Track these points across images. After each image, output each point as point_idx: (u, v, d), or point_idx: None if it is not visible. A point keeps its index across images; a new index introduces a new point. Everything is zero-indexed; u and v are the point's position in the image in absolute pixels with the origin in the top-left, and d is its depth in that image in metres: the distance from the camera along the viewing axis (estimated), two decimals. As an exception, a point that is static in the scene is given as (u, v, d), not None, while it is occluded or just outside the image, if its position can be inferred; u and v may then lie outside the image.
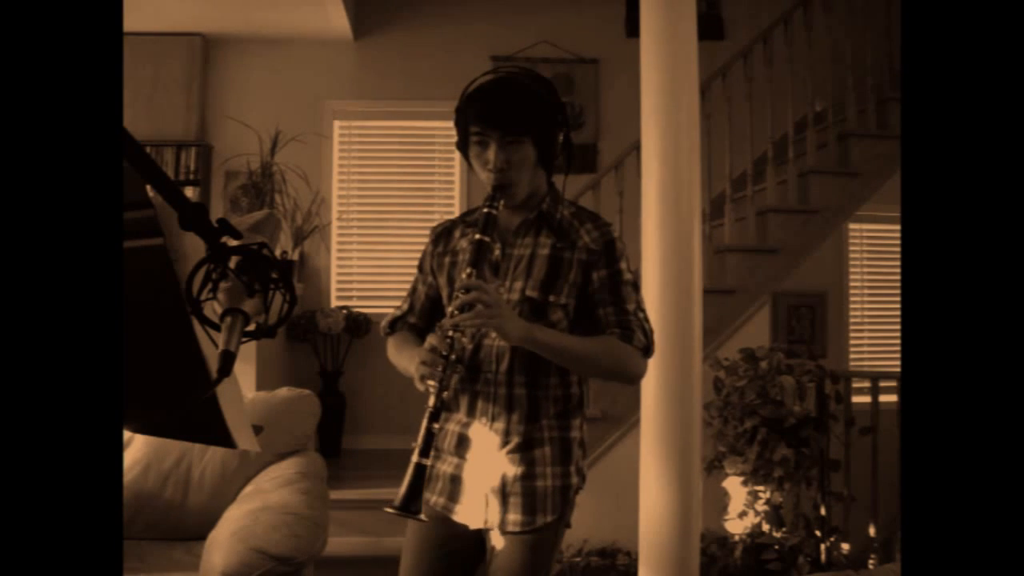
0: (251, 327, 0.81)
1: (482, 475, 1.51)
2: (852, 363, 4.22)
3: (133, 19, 4.41)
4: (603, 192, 3.96)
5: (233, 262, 0.79)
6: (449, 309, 1.40)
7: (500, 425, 1.50)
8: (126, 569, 2.19)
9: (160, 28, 4.66)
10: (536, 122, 1.47)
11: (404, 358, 1.55)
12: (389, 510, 1.30)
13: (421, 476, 1.32)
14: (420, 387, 1.41)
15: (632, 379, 1.56)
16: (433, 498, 1.56)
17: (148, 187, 0.75)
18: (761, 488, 3.29)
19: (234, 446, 0.88)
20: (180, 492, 2.55)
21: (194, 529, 2.46)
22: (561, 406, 1.53)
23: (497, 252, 1.53)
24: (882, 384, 3.46)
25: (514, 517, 1.49)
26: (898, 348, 3.96)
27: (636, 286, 1.55)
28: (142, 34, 4.62)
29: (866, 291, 4.38)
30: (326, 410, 3.06)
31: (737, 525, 3.37)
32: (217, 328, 0.79)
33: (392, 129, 4.98)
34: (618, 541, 3.52)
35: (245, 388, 3.30)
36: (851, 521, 3.45)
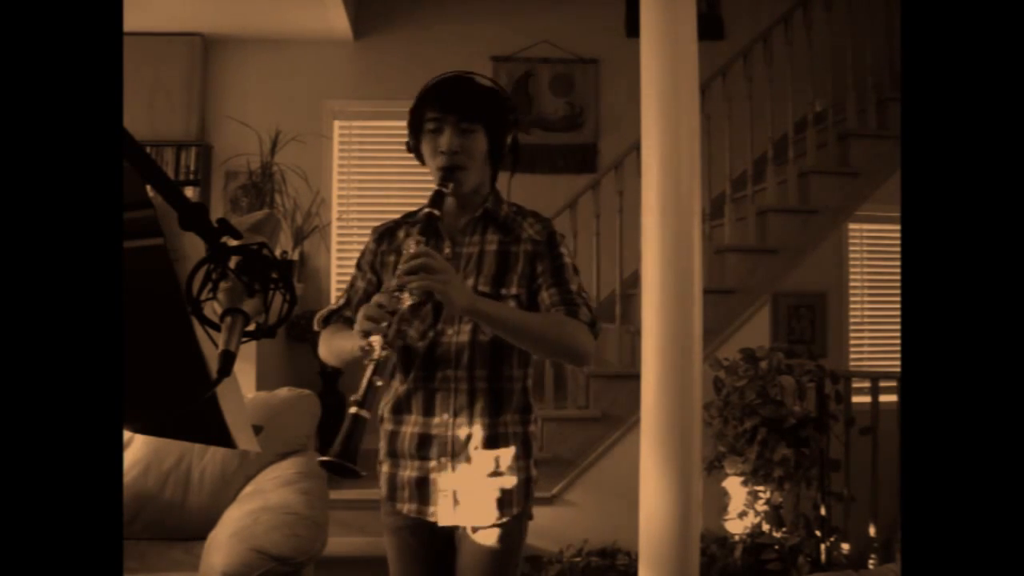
0: (251, 327, 0.81)
1: (449, 473, 1.52)
2: (852, 363, 4.22)
3: (133, 19, 4.40)
4: (603, 192, 3.97)
5: (233, 262, 0.79)
6: (397, 273, 1.39)
7: (464, 420, 1.52)
8: (126, 569, 2.19)
9: (160, 28, 4.66)
10: (488, 113, 1.54)
11: (340, 338, 1.54)
12: (321, 459, 1.24)
13: (358, 427, 1.27)
14: (360, 343, 1.35)
15: (581, 355, 1.54)
16: (405, 506, 1.57)
17: (148, 187, 0.75)
18: (761, 488, 3.29)
19: (234, 446, 0.88)
20: (180, 492, 2.55)
21: (194, 529, 2.46)
22: (522, 400, 1.57)
23: (447, 251, 1.57)
24: (882, 384, 3.46)
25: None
26: (898, 348, 3.96)
27: (576, 270, 1.60)
28: (142, 34, 4.62)
29: (866, 291, 4.38)
30: (326, 410, 3.05)
31: (737, 525, 3.37)
32: (217, 328, 0.79)
33: (392, 129, 4.96)
34: (618, 541, 3.52)
35: (245, 388, 3.30)
36: (851, 521, 3.46)
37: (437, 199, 1.49)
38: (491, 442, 1.52)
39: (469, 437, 1.52)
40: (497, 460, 1.53)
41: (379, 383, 1.31)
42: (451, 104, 1.51)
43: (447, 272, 1.38)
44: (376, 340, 1.33)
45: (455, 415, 1.52)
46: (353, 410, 1.28)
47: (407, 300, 1.36)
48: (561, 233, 1.61)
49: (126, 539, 2.42)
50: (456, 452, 1.52)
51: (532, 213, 1.62)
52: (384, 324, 1.34)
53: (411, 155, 1.63)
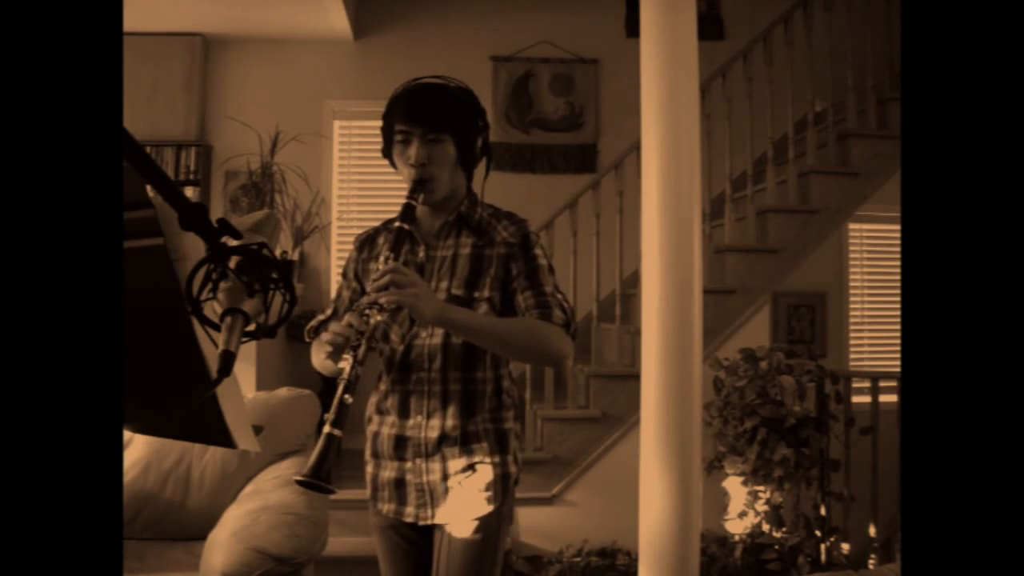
0: (251, 327, 0.81)
1: (424, 473, 1.55)
2: (852, 363, 4.22)
3: (133, 19, 4.40)
4: (603, 192, 3.96)
5: (233, 262, 0.79)
6: (368, 289, 1.43)
7: (436, 422, 1.54)
8: (126, 569, 2.19)
9: (160, 28, 4.66)
10: (456, 122, 1.54)
11: (326, 352, 1.55)
12: (297, 478, 1.28)
13: (331, 446, 1.31)
14: (331, 363, 1.41)
15: (556, 358, 1.55)
16: (385, 507, 1.61)
17: (148, 187, 0.75)
18: (761, 488, 3.29)
19: (234, 446, 0.88)
20: (180, 492, 2.55)
21: (194, 529, 2.46)
22: (495, 400, 1.58)
23: (422, 254, 1.59)
24: (882, 384, 3.46)
25: None
26: (898, 348, 3.96)
27: (552, 271, 1.60)
28: (142, 34, 4.62)
29: (866, 291, 4.38)
30: (326, 410, 3.05)
31: (737, 525, 3.37)
32: (217, 328, 0.79)
33: (391, 129, 4.99)
34: (618, 541, 3.52)
35: (245, 388, 3.30)
36: (851, 521, 3.46)
37: (407, 212, 1.51)
38: (463, 441, 1.54)
39: (442, 438, 1.54)
40: (469, 458, 1.54)
41: (350, 401, 1.35)
42: (417, 117, 1.52)
43: (416, 285, 1.40)
44: (347, 360, 1.37)
45: (428, 417, 1.55)
46: (326, 429, 1.32)
47: (376, 317, 1.39)
48: (536, 234, 1.62)
49: (126, 539, 2.42)
50: (429, 453, 1.54)
51: (507, 215, 1.63)
52: (354, 343, 1.37)
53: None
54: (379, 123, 1.60)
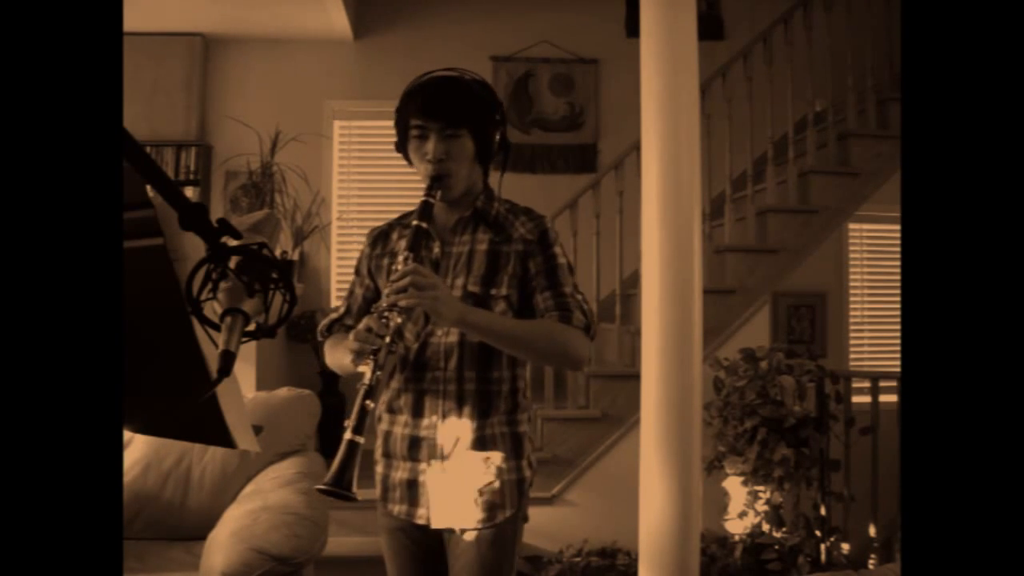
0: (251, 327, 0.81)
1: (439, 475, 1.51)
2: (852, 363, 4.22)
3: (133, 19, 4.40)
4: (603, 192, 3.96)
5: (233, 262, 0.79)
6: (386, 291, 1.40)
7: (451, 423, 1.51)
8: (126, 569, 2.19)
9: (160, 28, 4.65)
10: (474, 116, 1.51)
11: (341, 352, 1.52)
12: (319, 488, 1.27)
13: (353, 453, 1.29)
14: (351, 367, 1.39)
15: (575, 361, 1.55)
16: (396, 507, 1.57)
17: (148, 187, 0.75)
18: (761, 488, 3.29)
19: (234, 446, 0.88)
20: (180, 492, 2.55)
21: (194, 529, 2.46)
22: (511, 401, 1.55)
23: (437, 250, 1.56)
24: (882, 384, 3.46)
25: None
26: (898, 348, 3.96)
27: (571, 269, 1.57)
28: (142, 34, 4.62)
29: (866, 291, 4.39)
30: (326, 410, 3.05)
31: (737, 525, 3.37)
32: (217, 328, 0.79)
33: (392, 129, 4.97)
34: (618, 541, 3.52)
35: (245, 388, 3.30)
36: (851, 521, 3.46)
37: (425, 210, 1.48)
38: (479, 444, 1.51)
39: (457, 440, 1.50)
40: (485, 462, 1.51)
41: (372, 407, 1.32)
42: (435, 111, 1.49)
43: (436, 288, 1.37)
44: (366, 366, 1.34)
45: (443, 417, 1.51)
46: (347, 436, 1.30)
47: (396, 320, 1.36)
48: (555, 230, 1.58)
49: (126, 539, 2.42)
50: (444, 455, 1.51)
51: (525, 211, 1.60)
52: (374, 347, 1.34)
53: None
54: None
